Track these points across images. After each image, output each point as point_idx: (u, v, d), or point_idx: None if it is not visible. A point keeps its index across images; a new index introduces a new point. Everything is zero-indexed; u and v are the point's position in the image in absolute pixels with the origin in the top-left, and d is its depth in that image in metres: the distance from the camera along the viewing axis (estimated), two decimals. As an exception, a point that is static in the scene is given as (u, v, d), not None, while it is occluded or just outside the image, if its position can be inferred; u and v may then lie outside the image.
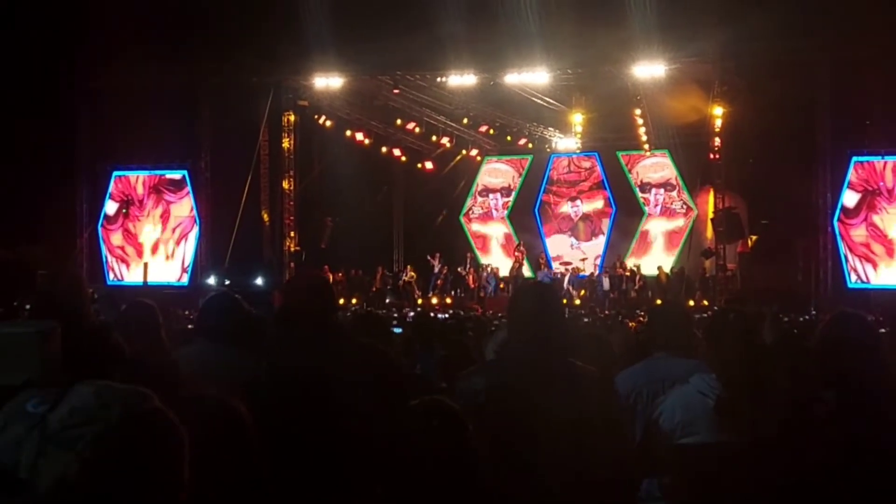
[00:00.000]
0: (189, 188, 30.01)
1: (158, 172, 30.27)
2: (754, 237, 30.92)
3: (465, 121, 31.64)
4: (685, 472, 4.75)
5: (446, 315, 17.76)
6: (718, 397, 4.61)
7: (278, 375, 4.52)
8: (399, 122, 31.20)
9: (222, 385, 4.55)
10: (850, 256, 29.19)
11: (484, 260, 34.86)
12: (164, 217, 30.32)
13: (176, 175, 30.25)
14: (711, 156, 29.23)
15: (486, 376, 4.34)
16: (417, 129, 31.61)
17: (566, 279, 32.14)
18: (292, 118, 29.77)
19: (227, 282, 24.87)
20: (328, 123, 30.22)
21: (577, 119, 30.38)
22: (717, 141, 28.59)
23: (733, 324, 4.82)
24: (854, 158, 29.05)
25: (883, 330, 12.04)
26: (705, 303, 27.81)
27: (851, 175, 29.06)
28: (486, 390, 4.15)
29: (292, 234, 30.14)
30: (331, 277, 30.29)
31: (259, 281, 25.62)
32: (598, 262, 33.91)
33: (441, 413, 3.27)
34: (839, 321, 4.80)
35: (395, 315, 22.13)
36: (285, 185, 29.93)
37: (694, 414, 4.70)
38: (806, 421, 4.40)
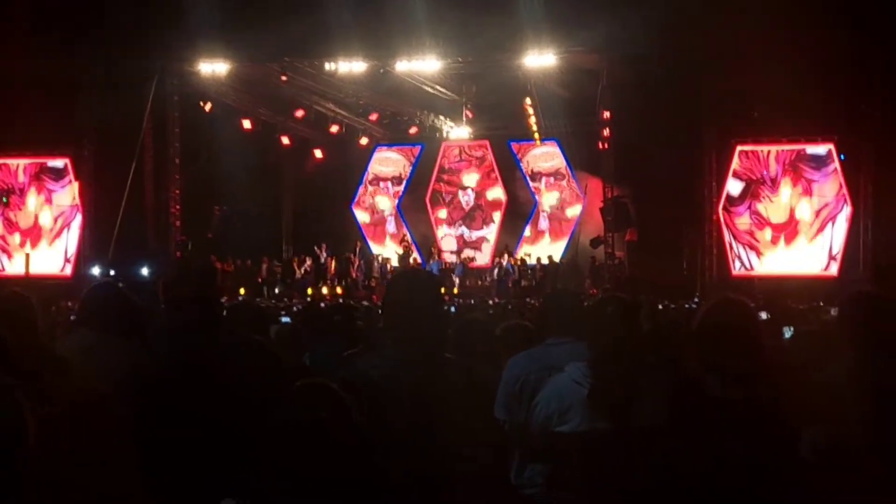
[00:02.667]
0: (71, 176, 29.30)
1: (40, 160, 29.51)
2: (641, 226, 31.29)
3: (356, 109, 31.43)
4: (561, 459, 4.73)
5: (336, 305, 17.56)
6: (591, 386, 4.59)
7: (163, 366, 4.43)
8: (288, 109, 30.84)
9: (105, 374, 4.44)
10: (734, 244, 29.74)
11: (375, 249, 34.72)
12: (46, 206, 29.58)
13: (58, 163, 29.52)
14: (600, 145, 29.51)
15: (361, 363, 4.24)
16: (307, 117, 31.31)
17: (457, 268, 32.20)
18: (177, 104, 29.22)
19: (112, 272, 24.37)
20: (215, 111, 29.68)
21: (468, 108, 30.38)
22: (606, 130, 28.86)
23: (610, 313, 4.80)
24: (738, 147, 29.60)
25: (764, 316, 12.27)
26: (594, 291, 28.05)
27: (735, 164, 29.60)
28: (360, 377, 4.06)
29: (178, 223, 29.62)
30: (219, 267, 29.92)
31: (144, 271, 25.10)
32: (490, 251, 34.00)
33: (325, 398, 3.17)
34: (720, 307, 4.80)
35: (283, 306, 21.96)
36: (171, 173, 29.37)
37: (569, 402, 4.69)
38: (686, 406, 4.39)
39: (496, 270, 31.76)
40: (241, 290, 28.99)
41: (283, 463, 3.00)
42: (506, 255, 32.10)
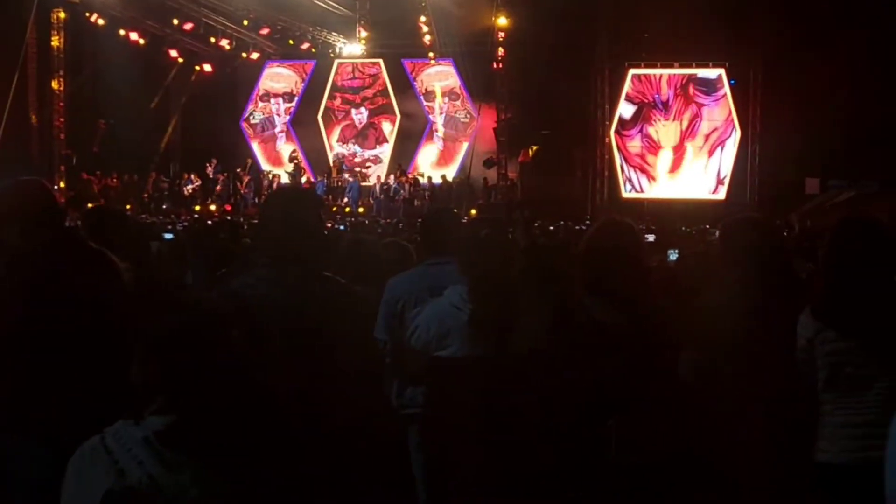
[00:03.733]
0: (-50, 88, 28.28)
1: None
2: (535, 147, 31.39)
3: (246, 22, 30.80)
4: (439, 383, 4.69)
5: (220, 221, 17.28)
6: (471, 310, 4.54)
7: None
8: (176, 21, 30.03)
9: None
10: (625, 167, 30.06)
11: (266, 166, 34.27)
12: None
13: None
14: (495, 65, 29.43)
15: (234, 283, 4.10)
16: (195, 30, 30.57)
17: (349, 187, 31.99)
18: (62, 16, 28.32)
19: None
20: (101, 22, 28.76)
21: (362, 24, 29.96)
22: (501, 51, 28.78)
23: (485, 233, 4.74)
24: (631, 71, 29.79)
25: (651, 238, 12.40)
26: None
27: (628, 87, 29.81)
28: (232, 296, 3.93)
29: (62, 136, 28.88)
30: (100, 183, 29.34)
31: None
32: (383, 169, 33.80)
33: (199, 316, 3.05)
34: (605, 229, 4.77)
35: (169, 222, 21.62)
36: (55, 85, 28.61)
37: (448, 327, 4.63)
38: (567, 330, 4.37)
39: (378, 188, 31.64)
40: (128, 207, 28.40)
41: (159, 375, 2.89)
42: (392, 176, 31.98)
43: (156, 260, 7.74)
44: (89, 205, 10.90)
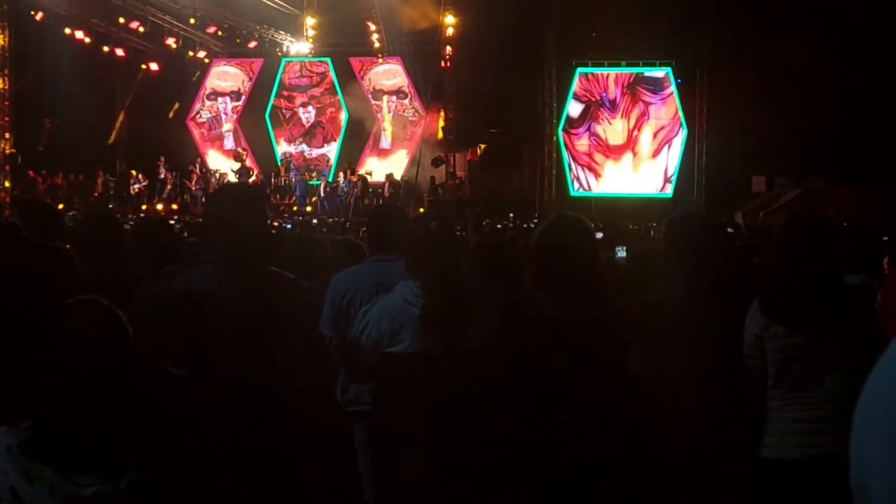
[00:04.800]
0: None
1: None
2: (483, 145, 31.45)
3: (193, 21, 30.54)
4: (390, 379, 4.67)
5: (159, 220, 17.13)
6: (423, 306, 4.53)
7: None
8: (122, 20, 29.74)
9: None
10: (573, 165, 30.18)
11: (213, 165, 34.01)
12: None
13: None
14: (443, 64, 29.42)
15: (180, 279, 4.06)
16: (142, 29, 30.28)
17: (295, 186, 31.84)
18: (6, 12, 27.90)
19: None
20: (47, 20, 28.42)
21: (310, 23, 29.83)
22: (449, 49, 28.77)
23: (433, 228, 4.72)
24: (578, 70, 29.91)
25: (599, 236, 12.44)
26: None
27: (576, 86, 29.93)
28: (178, 293, 3.89)
29: (7, 135, 28.47)
30: (45, 182, 29.02)
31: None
32: (330, 168, 33.67)
33: (95, 315, 2.99)
34: (557, 225, 4.76)
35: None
36: (-1, 85, 28.18)
37: (400, 322, 4.61)
38: (518, 325, 4.37)
39: (325, 187, 31.48)
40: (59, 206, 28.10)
41: (51, 377, 2.84)
42: (341, 174, 31.87)
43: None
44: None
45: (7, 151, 28.16)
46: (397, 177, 32.11)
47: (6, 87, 28.11)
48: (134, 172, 32.16)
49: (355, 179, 31.56)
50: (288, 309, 4.05)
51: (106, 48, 30.82)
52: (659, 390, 4.51)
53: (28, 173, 28.88)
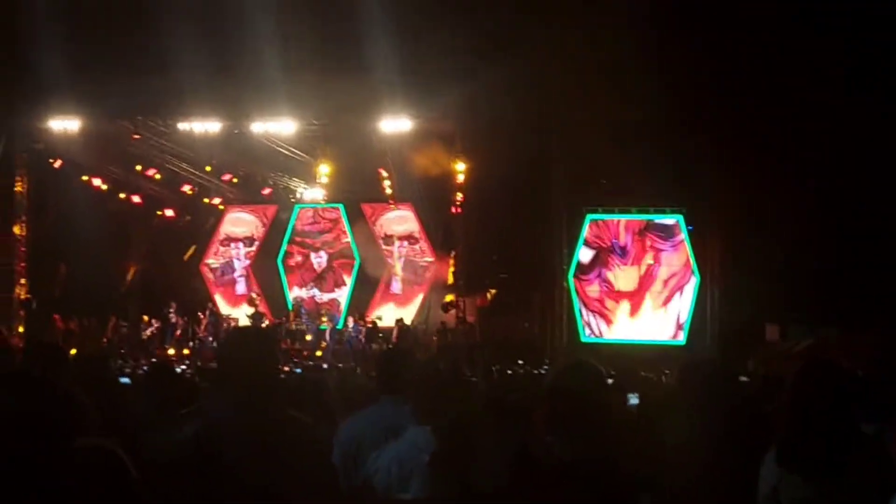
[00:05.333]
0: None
1: None
2: (493, 290, 31.51)
3: (208, 168, 31.01)
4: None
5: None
6: (433, 452, 4.50)
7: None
8: (139, 167, 30.26)
9: None
10: (584, 311, 30.13)
11: (226, 310, 34.10)
12: None
13: None
14: (454, 210, 29.69)
15: (196, 425, 4.04)
16: (158, 176, 30.78)
17: (309, 330, 31.81)
18: (26, 161, 28.49)
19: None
20: (65, 168, 28.97)
21: (323, 170, 30.28)
22: (459, 195, 29.06)
23: (445, 374, 4.72)
24: (589, 216, 30.11)
25: (611, 381, 12.36)
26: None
27: (587, 232, 30.09)
28: (189, 442, 3.86)
29: (23, 280, 28.75)
30: (62, 325, 29.10)
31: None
32: (341, 313, 33.71)
33: (102, 460, 2.98)
34: (571, 370, 4.75)
35: (129, 366, 21.42)
36: (17, 230, 28.61)
37: (410, 468, 4.58)
38: (528, 469, 4.33)
39: (328, 333, 31.34)
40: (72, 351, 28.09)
41: None
42: (351, 319, 31.88)
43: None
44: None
45: (22, 297, 28.38)
46: (407, 321, 32.10)
47: (24, 234, 28.51)
48: (146, 318, 32.22)
49: (365, 324, 31.55)
50: (301, 459, 4.01)
51: (122, 195, 31.25)
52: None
53: (53, 317, 29.04)
